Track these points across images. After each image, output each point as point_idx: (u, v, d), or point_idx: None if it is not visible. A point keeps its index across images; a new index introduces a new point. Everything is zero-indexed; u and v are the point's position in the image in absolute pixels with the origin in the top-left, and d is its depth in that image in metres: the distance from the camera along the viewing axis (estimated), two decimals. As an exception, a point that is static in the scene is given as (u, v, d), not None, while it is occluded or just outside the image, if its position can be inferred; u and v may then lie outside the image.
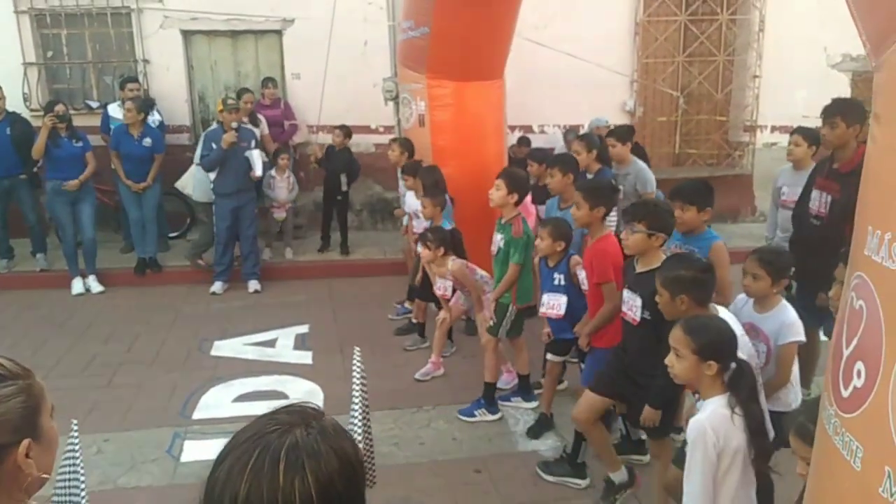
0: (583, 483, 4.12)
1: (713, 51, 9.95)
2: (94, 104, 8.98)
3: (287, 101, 9.10)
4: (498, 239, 4.87)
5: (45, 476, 1.40)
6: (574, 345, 4.52)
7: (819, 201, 4.63)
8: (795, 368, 3.35)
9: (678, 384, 2.90)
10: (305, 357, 5.97)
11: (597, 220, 4.15)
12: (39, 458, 1.36)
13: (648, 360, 3.43)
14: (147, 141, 7.64)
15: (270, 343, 6.27)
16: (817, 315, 4.24)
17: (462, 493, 4.11)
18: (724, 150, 10.29)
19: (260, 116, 8.49)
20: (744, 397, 2.56)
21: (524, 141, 8.98)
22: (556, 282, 4.48)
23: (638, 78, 9.89)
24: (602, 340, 4.13)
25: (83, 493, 1.86)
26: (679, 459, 3.31)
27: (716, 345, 2.60)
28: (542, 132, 9.78)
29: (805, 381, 4.26)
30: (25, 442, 1.33)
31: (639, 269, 3.61)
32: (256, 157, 7.32)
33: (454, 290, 5.40)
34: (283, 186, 8.20)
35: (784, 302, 3.37)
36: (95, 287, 7.57)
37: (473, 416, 4.91)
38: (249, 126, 7.87)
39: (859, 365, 1.46)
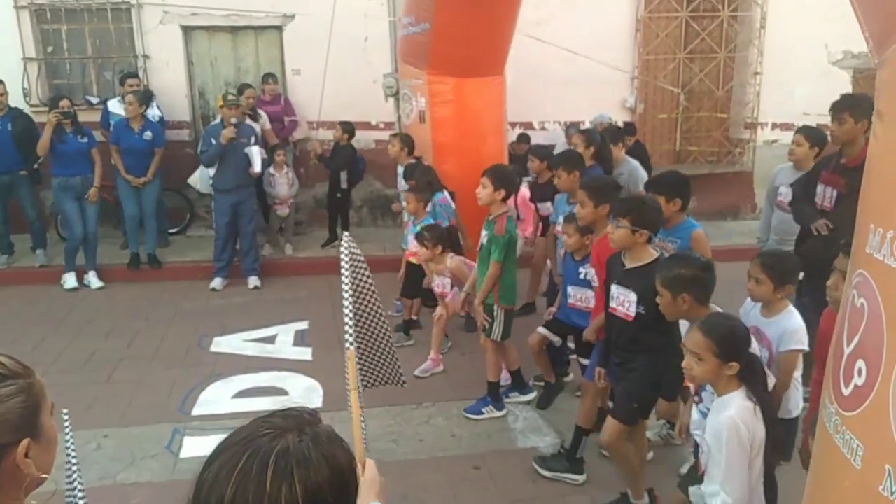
0: (580, 479, 4.12)
1: (714, 47, 9.94)
2: (94, 100, 8.96)
3: (287, 97, 9.08)
4: (483, 235, 4.86)
5: (44, 476, 1.38)
6: (579, 345, 4.53)
7: (824, 195, 4.61)
8: (797, 374, 3.31)
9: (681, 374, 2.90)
10: (305, 353, 5.97)
11: (601, 218, 4.16)
12: (39, 457, 1.35)
13: (641, 352, 3.50)
14: (148, 134, 7.64)
15: (270, 339, 6.26)
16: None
17: (461, 490, 4.11)
18: (724, 147, 10.29)
19: (260, 111, 8.48)
20: (758, 389, 2.58)
21: (524, 137, 8.97)
22: (581, 276, 4.47)
23: (639, 74, 9.88)
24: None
25: (79, 489, 1.86)
26: (685, 484, 3.25)
27: (735, 344, 2.61)
28: (543, 129, 9.76)
29: (808, 381, 4.24)
30: (25, 442, 1.32)
31: (628, 264, 3.61)
32: (256, 154, 7.31)
33: (451, 287, 5.40)
34: (283, 183, 8.20)
35: (791, 308, 3.31)
36: (95, 283, 7.56)
37: (481, 413, 4.91)
38: (250, 122, 7.86)
39: (860, 363, 1.46)
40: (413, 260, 5.97)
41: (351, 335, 2.17)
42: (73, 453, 1.90)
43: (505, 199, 4.76)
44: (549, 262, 5.95)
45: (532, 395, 5.10)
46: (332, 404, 4.52)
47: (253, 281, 7.67)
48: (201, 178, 7.98)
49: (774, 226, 5.31)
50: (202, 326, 6.51)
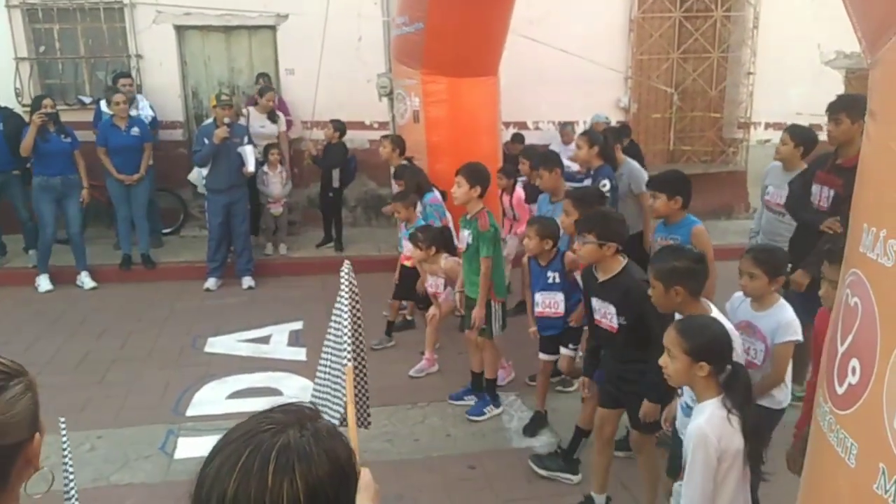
0: (575, 479, 4.13)
1: (707, 47, 9.96)
2: (87, 99, 8.93)
3: (281, 96, 9.07)
4: (466, 235, 4.83)
5: (38, 469, 1.41)
6: (563, 335, 4.53)
7: (819, 195, 4.62)
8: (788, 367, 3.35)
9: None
10: (299, 353, 5.96)
11: None
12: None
13: (635, 361, 3.48)
14: (135, 130, 7.63)
15: (264, 339, 6.25)
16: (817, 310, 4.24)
17: (456, 490, 4.11)
18: (718, 147, 10.32)
19: (279, 113, 8.48)
20: (739, 400, 2.56)
21: (518, 138, 8.98)
22: (549, 280, 4.47)
23: (632, 74, 9.89)
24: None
25: (73, 492, 1.86)
26: (670, 469, 3.30)
27: (708, 346, 2.60)
28: (537, 129, 9.77)
29: (799, 378, 4.26)
30: (38, 437, 1.35)
31: (601, 278, 3.64)
32: (249, 153, 7.29)
33: (445, 287, 5.40)
34: (276, 182, 8.18)
35: (782, 301, 3.34)
36: (88, 283, 7.53)
37: (483, 413, 4.91)
38: (247, 122, 7.88)
39: (854, 362, 1.46)
40: (407, 264, 5.98)
41: (349, 352, 2.22)
42: (70, 459, 1.91)
43: (481, 196, 4.78)
44: None
45: (500, 410, 5.03)
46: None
47: (247, 281, 7.65)
48: (200, 176, 7.96)
49: (762, 225, 5.32)
50: (196, 327, 6.49)
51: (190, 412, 4.99)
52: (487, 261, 4.69)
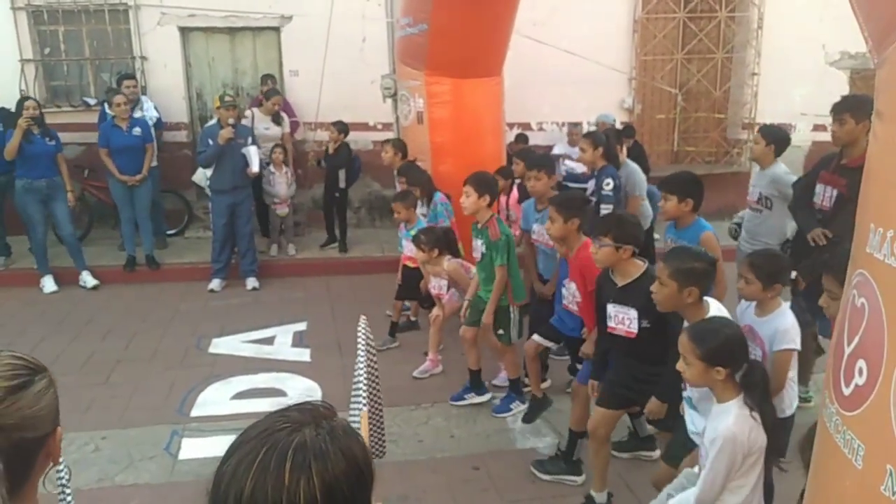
0: (578, 480, 4.12)
1: (712, 48, 9.95)
2: (92, 101, 8.95)
3: (285, 97, 9.08)
4: (479, 244, 4.85)
5: (57, 464, 1.45)
6: (569, 342, 4.52)
7: (823, 195, 4.62)
8: (792, 374, 3.30)
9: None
10: (304, 354, 5.96)
11: (572, 232, 4.19)
12: (51, 446, 1.40)
13: (652, 363, 3.45)
14: (137, 130, 7.63)
15: (268, 340, 6.26)
16: (822, 311, 4.24)
17: (460, 491, 4.11)
18: (722, 148, 10.29)
19: (283, 115, 8.49)
20: (757, 397, 2.58)
21: (522, 138, 8.97)
22: None
23: (636, 75, 9.88)
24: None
25: (68, 492, 1.87)
26: (669, 456, 3.32)
27: (722, 350, 2.61)
28: (541, 129, 9.76)
29: (803, 378, 4.25)
30: (59, 430, 1.40)
31: (620, 282, 3.60)
32: (254, 154, 7.30)
33: (448, 288, 5.40)
34: (282, 182, 8.19)
35: (783, 307, 3.31)
36: (90, 282, 7.54)
37: (510, 410, 4.96)
38: (248, 123, 7.89)
39: (861, 363, 1.45)
40: (409, 264, 5.98)
41: (364, 398, 2.35)
42: (62, 459, 1.92)
43: (490, 205, 4.78)
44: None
45: (487, 397, 5.10)
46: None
47: (251, 282, 7.66)
48: (205, 177, 7.96)
49: (744, 224, 5.34)
50: (200, 328, 6.50)
51: (194, 413, 4.99)
52: (501, 269, 4.71)
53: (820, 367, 4.74)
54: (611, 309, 3.63)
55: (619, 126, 8.55)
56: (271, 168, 8.10)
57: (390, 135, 8.31)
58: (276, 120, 8.39)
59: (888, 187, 1.46)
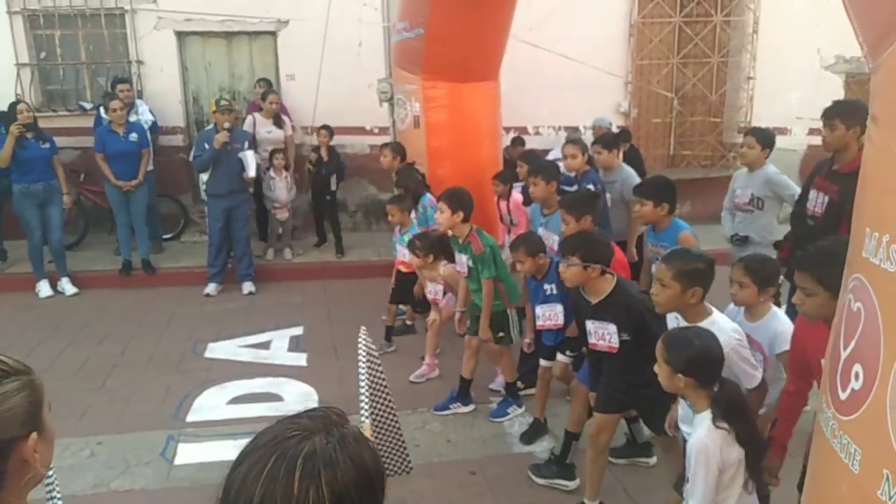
0: (571, 485, 4.11)
1: (707, 52, 9.98)
2: (88, 105, 8.95)
3: (282, 102, 9.08)
4: (464, 259, 4.86)
5: (45, 471, 1.42)
6: (562, 346, 4.52)
7: (816, 201, 4.64)
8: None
9: None
10: (300, 359, 5.95)
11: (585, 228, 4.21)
12: (42, 453, 1.38)
13: (642, 369, 3.44)
14: (133, 136, 7.62)
15: (265, 345, 6.24)
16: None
17: (457, 496, 4.10)
18: (718, 152, 10.32)
19: (285, 118, 8.49)
20: (722, 411, 2.58)
21: (518, 141, 8.99)
22: (547, 292, 4.45)
23: (632, 79, 9.91)
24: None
25: (57, 495, 1.86)
26: (680, 485, 3.29)
27: (688, 360, 2.62)
28: (538, 133, 9.78)
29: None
30: (34, 436, 1.35)
31: (594, 300, 3.60)
32: (250, 158, 7.29)
33: (445, 293, 5.40)
34: (282, 186, 8.19)
35: (775, 310, 3.32)
36: (69, 289, 7.51)
37: (507, 414, 4.96)
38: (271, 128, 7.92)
39: (857, 367, 1.46)
40: (402, 268, 5.97)
41: (367, 411, 2.34)
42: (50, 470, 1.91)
43: (465, 220, 4.79)
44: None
45: (472, 408, 5.07)
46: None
47: (247, 286, 7.65)
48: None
49: (735, 226, 5.35)
50: (196, 332, 6.49)
51: (190, 418, 4.98)
52: (488, 283, 4.72)
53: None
54: (589, 326, 3.65)
55: (615, 130, 8.58)
56: (271, 173, 8.10)
57: (387, 139, 8.31)
58: (278, 123, 8.39)
59: (883, 192, 1.46)
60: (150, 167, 7.99)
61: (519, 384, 5.07)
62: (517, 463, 4.39)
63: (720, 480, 2.56)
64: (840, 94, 9.55)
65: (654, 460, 4.32)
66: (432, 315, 5.57)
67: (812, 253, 2.64)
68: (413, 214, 6.00)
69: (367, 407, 2.42)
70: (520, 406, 5.00)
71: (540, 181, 5.13)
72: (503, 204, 6.52)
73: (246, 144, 7.37)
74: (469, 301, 5.05)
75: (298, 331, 6.53)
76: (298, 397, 5.22)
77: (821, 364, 2.62)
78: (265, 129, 8.31)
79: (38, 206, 7.26)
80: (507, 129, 8.83)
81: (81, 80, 9.23)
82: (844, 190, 4.30)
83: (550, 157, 8.67)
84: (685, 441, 3.18)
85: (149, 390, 5.37)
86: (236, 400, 5.23)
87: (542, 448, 4.56)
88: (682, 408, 3.15)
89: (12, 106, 7.27)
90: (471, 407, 5.07)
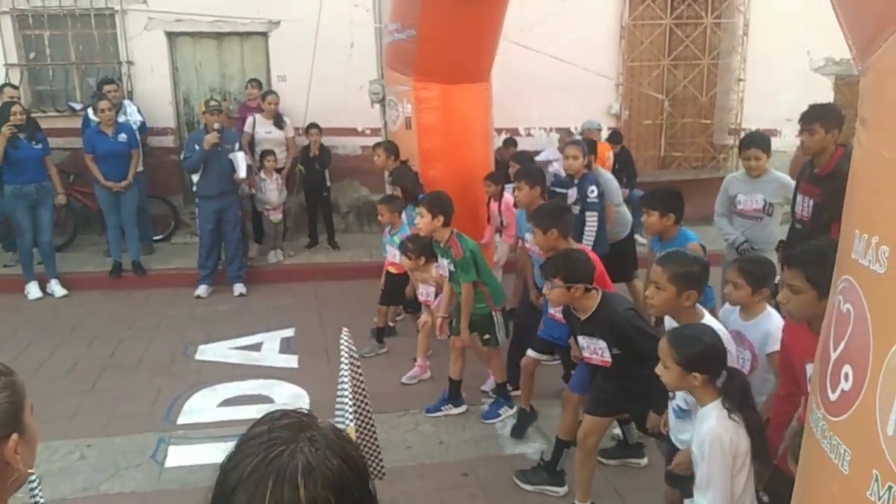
0: (561, 490, 4.10)
1: (698, 54, 10.01)
2: (78, 106, 8.90)
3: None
4: (446, 264, 4.89)
5: (29, 472, 1.41)
6: (560, 350, 4.53)
7: (802, 205, 4.67)
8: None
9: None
10: (291, 361, 5.94)
11: (552, 241, 4.23)
12: (24, 454, 1.37)
13: (641, 381, 3.45)
14: (122, 136, 7.60)
15: (256, 347, 6.23)
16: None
17: (449, 497, 4.10)
18: (708, 153, 10.36)
19: (286, 119, 8.46)
20: (737, 402, 2.61)
21: (510, 142, 8.99)
22: None
23: (623, 81, 9.93)
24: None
25: (40, 497, 1.85)
26: (671, 479, 3.30)
27: (700, 356, 2.63)
28: (529, 135, 9.79)
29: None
30: (15, 437, 1.34)
31: (583, 316, 3.63)
32: (240, 160, 7.27)
33: (436, 295, 5.40)
34: (273, 188, 8.17)
35: (769, 310, 3.34)
36: (59, 291, 7.48)
37: (498, 415, 4.96)
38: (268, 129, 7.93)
39: (847, 368, 1.46)
40: (392, 269, 5.97)
41: (349, 413, 2.32)
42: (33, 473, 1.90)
43: (446, 224, 4.80)
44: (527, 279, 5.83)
45: (464, 408, 5.07)
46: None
47: (238, 288, 7.62)
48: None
49: (744, 233, 5.27)
50: (187, 334, 6.46)
51: (181, 420, 4.96)
52: (467, 287, 4.75)
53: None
54: (581, 341, 3.69)
55: (605, 132, 8.61)
56: (262, 175, 8.07)
57: (379, 140, 8.30)
58: (278, 123, 8.37)
59: (871, 194, 1.47)
60: (140, 168, 7.96)
61: (509, 387, 5.07)
62: (509, 464, 4.40)
63: (733, 465, 2.57)
64: (830, 96, 9.61)
65: (645, 461, 4.33)
66: (424, 317, 5.57)
67: (806, 251, 2.65)
68: (404, 215, 6.00)
69: (350, 409, 2.40)
70: (511, 407, 5.00)
71: (524, 186, 5.15)
72: (494, 205, 6.53)
73: (237, 146, 7.35)
74: (453, 305, 5.06)
75: (290, 332, 6.52)
76: (289, 399, 5.21)
77: (805, 369, 2.64)
78: (265, 129, 8.29)
79: (30, 207, 7.22)
80: (499, 131, 8.83)
81: (71, 80, 9.19)
82: (827, 192, 4.34)
83: (541, 158, 8.71)
84: (670, 441, 3.20)
85: (139, 392, 5.35)
86: (227, 402, 5.21)
87: (534, 449, 4.56)
88: (672, 417, 3.15)
89: (6, 107, 7.20)
90: (462, 408, 5.07)
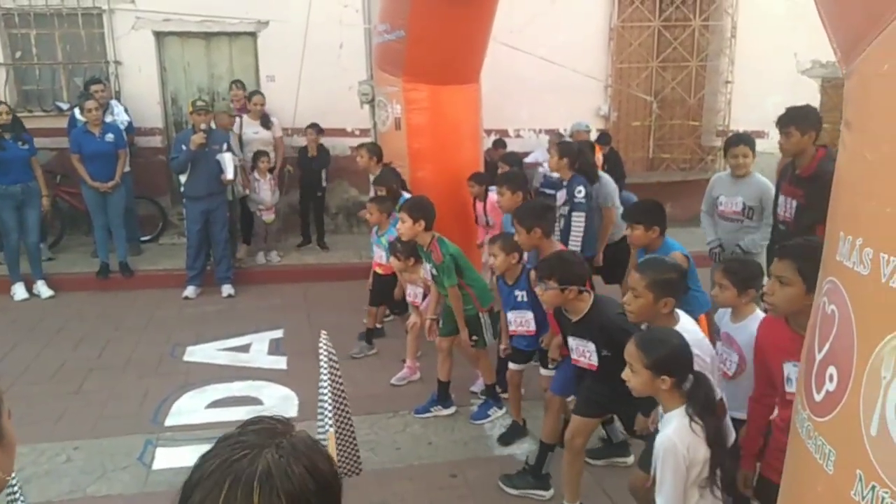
0: (547, 494, 4.10)
1: (686, 56, 10.07)
2: (64, 106, 8.84)
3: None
4: (429, 267, 4.91)
5: (6, 477, 1.39)
6: (534, 354, 4.54)
7: (785, 207, 4.70)
8: None
9: None
10: (280, 362, 5.92)
11: (535, 241, 4.24)
12: (2, 460, 1.36)
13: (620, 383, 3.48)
14: (109, 136, 7.56)
15: (244, 348, 6.20)
16: None
17: (438, 498, 4.09)
18: (696, 155, 10.42)
19: (273, 119, 8.44)
20: (699, 409, 2.59)
21: (500, 144, 9.01)
22: (518, 299, 4.46)
23: (612, 83, 9.97)
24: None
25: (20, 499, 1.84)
26: (643, 462, 3.34)
27: (668, 360, 2.63)
28: (518, 136, 9.82)
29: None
30: None
31: (574, 318, 3.64)
32: (228, 160, 7.24)
33: (425, 296, 5.40)
34: (266, 189, 8.15)
35: (757, 312, 3.36)
36: (45, 292, 7.43)
37: (487, 416, 4.97)
38: (227, 129, 7.85)
39: (831, 369, 1.47)
40: (379, 270, 5.96)
41: (330, 418, 2.32)
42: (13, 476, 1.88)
43: (427, 229, 4.80)
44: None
45: (453, 410, 5.07)
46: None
47: (226, 289, 7.60)
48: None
49: (720, 235, 5.31)
50: (175, 335, 6.43)
51: (169, 422, 4.93)
52: (453, 289, 4.75)
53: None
54: (571, 342, 3.69)
55: (594, 133, 8.63)
56: (255, 175, 8.05)
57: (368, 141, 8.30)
58: (265, 123, 8.34)
59: (856, 195, 1.48)
60: (127, 168, 7.92)
61: (498, 388, 5.08)
62: (498, 465, 4.40)
63: (688, 476, 2.57)
64: (816, 98, 9.69)
65: (631, 459, 4.34)
66: (413, 318, 5.57)
67: (800, 244, 2.67)
68: (392, 217, 6.00)
69: (330, 413, 2.40)
70: (500, 408, 5.01)
71: (506, 191, 5.17)
72: (479, 205, 6.54)
73: (224, 146, 7.32)
74: (441, 307, 5.06)
75: (278, 334, 6.50)
76: (278, 401, 5.20)
77: (781, 368, 2.64)
78: (252, 129, 8.27)
79: (16, 208, 7.16)
80: (488, 132, 8.83)
81: (58, 80, 9.13)
82: (809, 193, 4.38)
83: (530, 159, 8.73)
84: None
85: (126, 394, 5.32)
86: (215, 403, 5.19)
87: (523, 450, 4.57)
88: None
89: None
90: (451, 409, 5.07)
